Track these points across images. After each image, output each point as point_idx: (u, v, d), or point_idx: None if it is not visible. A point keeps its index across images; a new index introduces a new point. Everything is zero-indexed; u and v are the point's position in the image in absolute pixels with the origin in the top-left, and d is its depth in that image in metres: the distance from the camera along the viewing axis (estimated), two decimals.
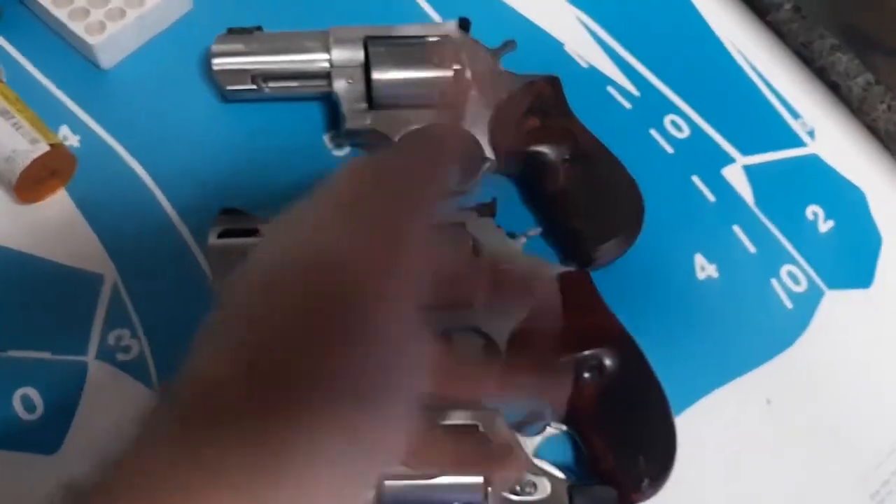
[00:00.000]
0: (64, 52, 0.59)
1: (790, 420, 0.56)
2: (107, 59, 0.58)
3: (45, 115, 0.55)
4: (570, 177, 0.57)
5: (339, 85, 0.57)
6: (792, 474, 0.55)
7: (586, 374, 0.51)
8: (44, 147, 0.52)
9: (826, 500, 0.55)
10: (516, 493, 0.48)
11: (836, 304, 0.60)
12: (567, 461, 0.52)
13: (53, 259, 0.53)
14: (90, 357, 0.51)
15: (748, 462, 0.55)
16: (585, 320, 0.53)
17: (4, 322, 0.51)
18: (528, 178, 0.59)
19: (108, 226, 0.55)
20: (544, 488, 0.48)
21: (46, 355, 0.50)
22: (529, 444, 0.49)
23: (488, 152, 0.57)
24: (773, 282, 0.60)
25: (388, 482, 0.46)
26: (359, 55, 0.57)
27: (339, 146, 0.59)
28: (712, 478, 0.54)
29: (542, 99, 0.59)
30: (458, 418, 0.49)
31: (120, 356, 0.51)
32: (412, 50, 0.57)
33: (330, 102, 0.60)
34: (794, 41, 0.68)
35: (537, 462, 0.49)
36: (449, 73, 0.57)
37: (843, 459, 0.56)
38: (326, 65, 0.57)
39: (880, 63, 0.62)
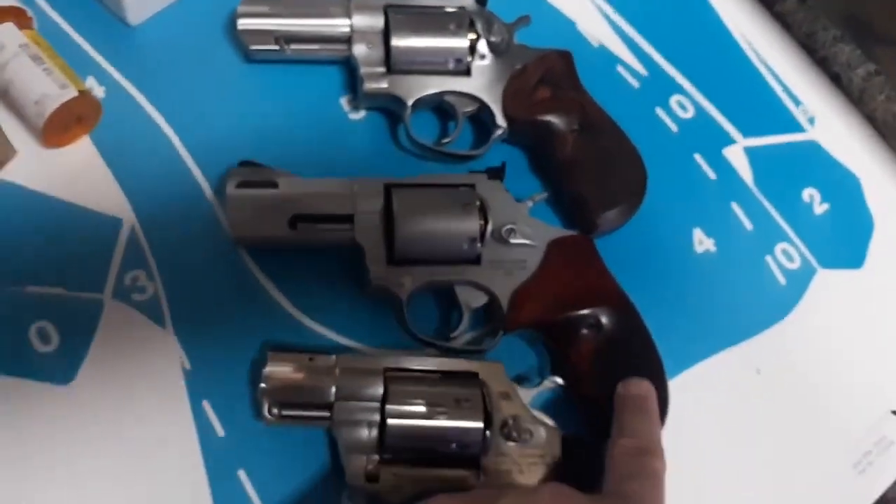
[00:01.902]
0: (94, 7, 0.60)
1: (779, 390, 0.59)
2: (135, 16, 0.60)
3: (73, 66, 0.56)
4: (577, 146, 0.59)
5: (359, 49, 0.59)
6: (778, 441, 0.57)
7: (584, 331, 0.53)
8: (72, 92, 0.53)
9: (810, 467, 0.57)
10: (513, 439, 0.49)
11: (828, 282, 0.62)
12: (562, 416, 0.54)
13: (75, 202, 0.55)
14: (106, 295, 0.53)
15: (737, 428, 0.57)
16: (585, 281, 0.54)
17: (25, 259, 0.53)
18: (538, 146, 0.61)
19: (129, 173, 0.56)
20: (539, 436, 0.50)
21: (63, 291, 0.52)
22: (527, 395, 0.51)
23: (500, 120, 0.59)
24: (768, 258, 0.62)
25: (391, 421, 0.48)
26: (379, 22, 0.59)
27: (355, 108, 0.61)
28: (702, 442, 0.56)
29: (554, 71, 0.61)
30: (459, 366, 0.51)
31: (135, 296, 0.53)
32: (430, 19, 0.60)
33: (348, 67, 0.62)
34: (799, 31, 0.70)
35: (534, 412, 0.51)
36: (464, 43, 0.59)
37: (827, 429, 0.58)
38: (347, 29, 0.59)
39: (881, 53, 0.64)
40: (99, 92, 0.58)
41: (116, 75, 0.59)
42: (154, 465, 0.49)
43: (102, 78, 0.59)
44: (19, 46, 0.54)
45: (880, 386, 0.60)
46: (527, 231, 0.54)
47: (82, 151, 0.57)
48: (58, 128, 0.54)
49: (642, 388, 0.51)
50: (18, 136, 0.55)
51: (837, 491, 0.57)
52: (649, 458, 0.47)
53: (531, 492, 0.44)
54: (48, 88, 0.53)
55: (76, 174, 0.56)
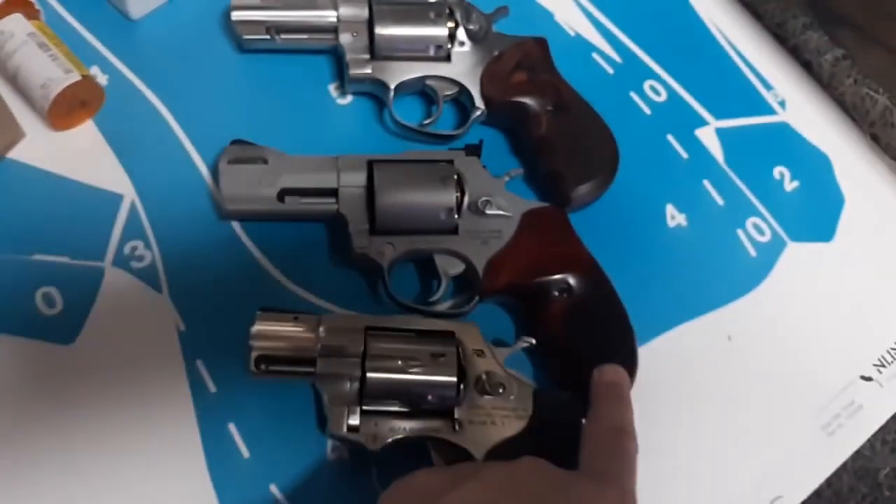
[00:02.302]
0: (97, 2, 0.65)
1: (750, 356, 0.61)
2: (136, 11, 0.64)
3: (78, 56, 0.61)
4: (551, 126, 0.62)
5: (345, 38, 0.63)
6: (749, 405, 0.59)
7: (555, 294, 0.56)
8: (76, 77, 0.58)
9: (781, 430, 0.59)
10: (486, 393, 0.52)
11: (798, 255, 0.65)
12: (534, 376, 0.56)
13: (80, 180, 0.59)
14: (107, 263, 0.56)
15: (707, 392, 0.59)
16: (556, 248, 0.57)
17: (32, 230, 0.56)
18: (515, 127, 0.64)
19: (130, 154, 0.60)
20: (512, 390, 0.52)
21: (67, 260, 0.56)
22: (501, 354, 0.54)
23: (478, 102, 0.63)
24: (739, 232, 0.65)
25: (370, 375, 0.50)
26: (364, 12, 0.63)
27: (342, 94, 0.65)
28: (673, 405, 0.58)
29: (530, 57, 0.64)
30: (436, 325, 0.54)
31: (134, 264, 0.56)
32: (412, 9, 0.63)
33: (336, 57, 0.65)
34: (770, 21, 0.73)
35: (507, 369, 0.53)
36: (443, 31, 0.63)
37: (797, 394, 0.60)
38: (334, 20, 0.63)
39: (845, 37, 0.66)
40: (102, 80, 0.62)
41: (119, 65, 0.63)
42: (149, 420, 0.52)
43: (105, 67, 0.63)
44: (27, 35, 0.58)
45: (850, 353, 0.62)
46: (502, 203, 0.58)
47: (87, 134, 0.60)
48: (63, 110, 0.58)
49: (617, 374, 0.52)
50: (26, 119, 0.59)
51: (807, 452, 0.59)
52: (622, 438, 0.48)
53: (508, 466, 0.45)
54: (53, 73, 0.57)
55: (81, 155, 0.60)
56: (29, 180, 0.58)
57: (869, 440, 0.83)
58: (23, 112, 0.59)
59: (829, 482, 0.74)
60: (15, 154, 0.59)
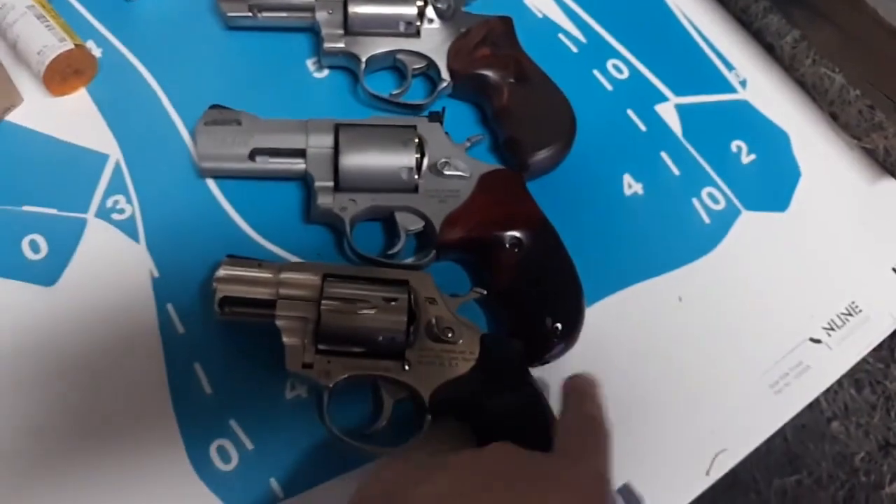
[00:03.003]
0: None
1: (700, 317, 0.63)
2: None
3: (76, 30, 0.66)
4: (512, 96, 0.65)
5: (321, 15, 0.67)
6: (699, 364, 0.62)
7: (507, 246, 0.59)
8: (70, 45, 0.62)
9: (728, 388, 0.61)
10: (435, 337, 0.55)
11: (752, 223, 0.67)
12: (486, 326, 0.59)
13: (70, 141, 0.63)
14: (90, 215, 0.60)
15: (658, 351, 0.62)
16: (510, 207, 0.61)
17: (25, 184, 0.61)
18: (479, 98, 0.68)
19: (119, 120, 0.65)
20: (460, 334, 0.55)
21: (54, 211, 0.60)
22: (453, 304, 0.57)
23: (445, 74, 0.67)
24: (694, 200, 0.67)
25: (325, 317, 0.54)
26: None
27: (319, 69, 0.69)
28: (623, 363, 0.61)
29: (494, 33, 0.68)
30: (391, 275, 0.57)
31: (115, 216, 0.61)
32: None
33: (313, 34, 0.70)
34: (734, 6, 0.76)
35: (457, 316, 0.56)
36: (413, 10, 0.67)
37: (746, 354, 0.62)
38: None
39: (799, 16, 0.69)
40: (97, 53, 0.67)
41: (113, 39, 0.68)
42: (120, 357, 0.56)
43: (100, 41, 0.68)
44: (26, 7, 0.63)
45: (800, 316, 0.64)
46: (460, 165, 0.61)
47: (80, 100, 0.65)
48: (57, 76, 0.63)
49: (588, 383, 0.52)
50: (25, 85, 0.64)
51: (754, 409, 0.61)
52: (595, 424, 0.48)
53: (477, 453, 0.44)
54: (49, 41, 0.62)
55: (73, 119, 0.64)
56: (24, 141, 0.63)
57: (844, 425, 0.84)
58: (21, 78, 0.64)
59: (810, 471, 0.77)
60: (13, 117, 0.63)
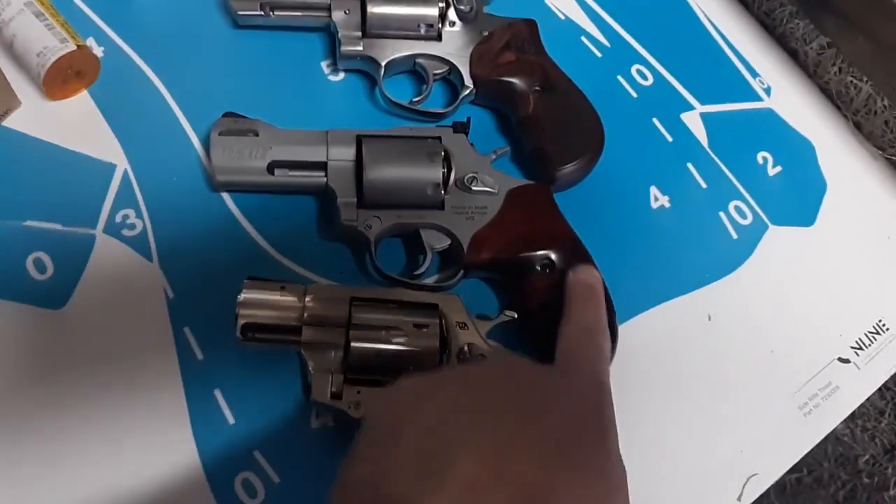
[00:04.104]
0: None
1: (729, 336, 0.62)
2: None
3: (75, 27, 0.62)
4: (538, 105, 0.63)
5: (338, 15, 0.64)
6: (727, 383, 0.60)
7: (537, 269, 0.57)
8: (71, 46, 0.58)
9: (758, 409, 0.60)
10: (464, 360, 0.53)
11: (779, 238, 0.66)
12: (516, 349, 0.57)
13: (74, 149, 0.60)
14: (98, 230, 0.57)
15: (687, 370, 0.60)
16: (540, 225, 0.58)
17: (26, 197, 0.57)
18: (503, 106, 0.65)
19: (124, 125, 0.61)
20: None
21: (59, 227, 0.57)
22: (483, 327, 0.55)
23: (467, 81, 0.64)
24: (721, 214, 0.66)
25: (354, 344, 0.51)
26: None
27: (334, 71, 0.66)
28: (653, 382, 0.60)
29: (519, 37, 0.65)
30: (420, 298, 0.55)
31: (125, 232, 0.57)
32: None
33: (328, 35, 0.66)
34: (758, 10, 0.74)
35: (490, 342, 0.54)
36: (434, 11, 0.64)
37: (775, 374, 0.61)
38: None
39: (830, 24, 0.67)
40: (98, 52, 0.63)
41: (115, 38, 0.64)
42: (136, 385, 0.53)
43: (101, 39, 0.64)
44: (24, 4, 0.59)
45: (828, 335, 0.63)
46: (488, 180, 0.59)
47: (81, 104, 0.61)
48: (58, 80, 0.59)
49: (591, 275, 0.55)
50: (22, 88, 0.60)
51: (783, 431, 0.60)
52: (594, 336, 0.51)
53: (489, 364, 0.47)
54: (49, 42, 0.58)
55: (75, 124, 0.61)
56: (24, 148, 0.59)
57: (849, 427, 0.84)
58: (19, 81, 0.60)
59: (811, 469, 0.76)
60: (10, 122, 0.59)
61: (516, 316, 0.56)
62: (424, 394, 0.42)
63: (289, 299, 0.53)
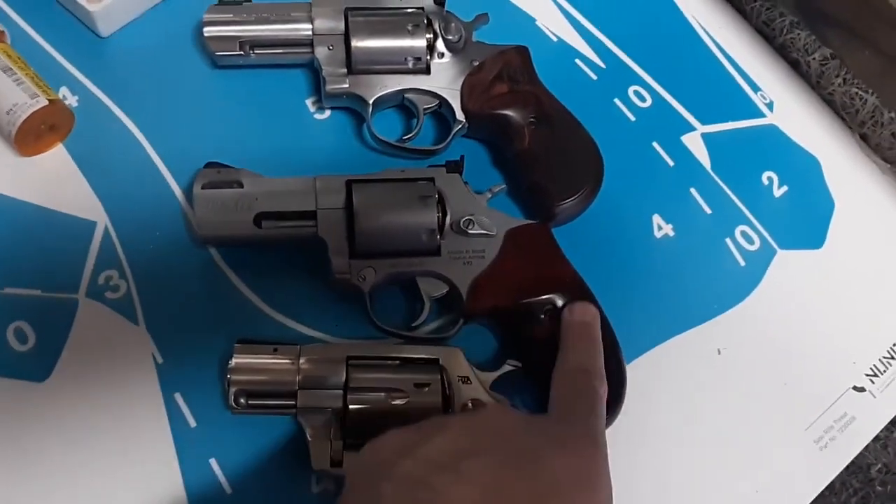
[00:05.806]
0: (66, 20, 0.63)
1: (740, 369, 0.60)
2: (105, 27, 0.62)
3: (47, 76, 0.59)
4: (534, 138, 0.60)
5: (321, 51, 0.61)
6: (740, 420, 0.59)
7: (541, 316, 0.55)
8: (43, 101, 0.56)
9: (772, 445, 0.58)
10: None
11: (788, 263, 0.63)
12: (523, 399, 0.55)
13: (50, 207, 0.57)
14: (81, 295, 0.55)
15: (698, 407, 0.59)
16: (541, 268, 0.56)
17: (2, 262, 0.55)
18: (497, 139, 0.62)
19: (102, 178, 0.59)
20: None
21: (39, 293, 0.54)
22: (487, 379, 0.53)
23: (459, 115, 0.61)
24: (728, 241, 0.63)
25: (352, 407, 0.49)
26: (340, 24, 0.61)
27: (320, 109, 0.63)
28: (664, 422, 0.58)
29: (511, 66, 0.62)
30: (420, 353, 0.53)
31: (108, 294, 0.55)
32: (389, 20, 0.62)
33: (312, 70, 0.64)
34: (756, 20, 0.71)
35: (494, 394, 0.52)
36: (422, 43, 0.61)
37: (789, 408, 0.59)
38: (309, 33, 0.61)
39: (833, 37, 0.65)
40: (72, 101, 0.60)
41: (89, 84, 0.61)
42: (128, 457, 0.51)
43: (75, 87, 0.61)
44: None
45: (841, 363, 0.61)
46: (485, 222, 0.56)
47: (56, 159, 0.59)
48: (31, 137, 0.57)
49: (587, 313, 0.54)
50: None
51: (799, 468, 0.58)
52: (589, 379, 0.49)
53: (475, 414, 0.47)
54: (19, 98, 0.55)
55: (51, 181, 0.58)
56: None
57: None
58: None
59: None
60: None
61: (520, 365, 0.54)
62: (403, 448, 0.41)
63: (282, 362, 0.51)
